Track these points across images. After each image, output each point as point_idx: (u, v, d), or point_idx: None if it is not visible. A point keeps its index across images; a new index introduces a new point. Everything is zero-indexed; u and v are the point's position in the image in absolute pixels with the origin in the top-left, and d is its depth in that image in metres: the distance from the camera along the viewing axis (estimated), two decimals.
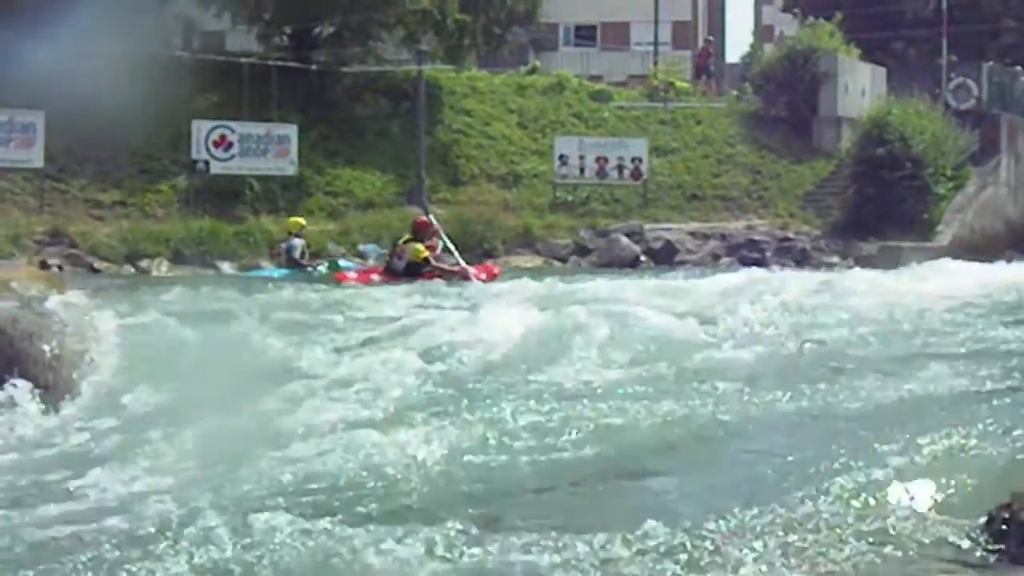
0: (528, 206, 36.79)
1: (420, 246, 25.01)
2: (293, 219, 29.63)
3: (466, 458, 9.00)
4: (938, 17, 47.39)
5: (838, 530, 6.96)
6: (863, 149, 38.16)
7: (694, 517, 7.21)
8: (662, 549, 6.69)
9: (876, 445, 8.99)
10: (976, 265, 27.74)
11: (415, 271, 24.62)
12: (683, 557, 6.64)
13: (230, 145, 33.42)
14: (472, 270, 25.73)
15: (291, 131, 34.38)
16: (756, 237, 36.52)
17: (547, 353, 13.02)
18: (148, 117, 33.25)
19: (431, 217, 29.94)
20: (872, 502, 7.49)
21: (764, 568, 6.49)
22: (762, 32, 64.99)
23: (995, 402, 10.99)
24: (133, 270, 28.58)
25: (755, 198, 40.09)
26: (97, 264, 28.26)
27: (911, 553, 6.66)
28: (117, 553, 6.66)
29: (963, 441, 9.22)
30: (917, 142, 37.33)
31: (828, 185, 40.42)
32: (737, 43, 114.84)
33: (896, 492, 7.62)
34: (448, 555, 6.71)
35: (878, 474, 8.11)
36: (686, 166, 40.81)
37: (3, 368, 10.34)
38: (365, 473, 8.45)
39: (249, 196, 33.44)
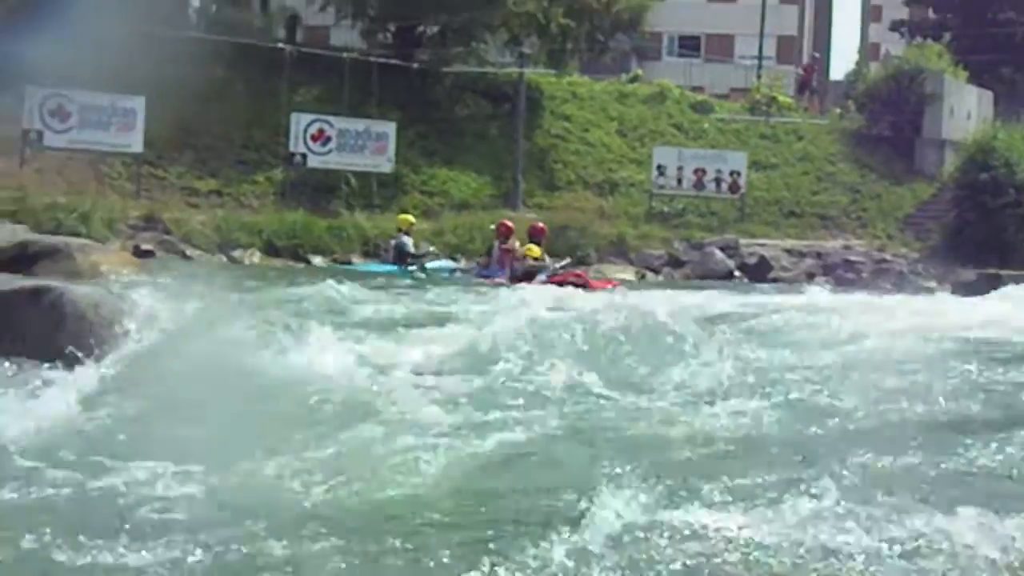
0: (623, 215, 36.57)
1: (535, 247, 25.44)
2: (403, 215, 29.42)
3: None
4: None
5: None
6: (966, 173, 37.60)
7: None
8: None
9: None
10: None
11: (533, 274, 24.69)
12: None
13: (328, 139, 33.46)
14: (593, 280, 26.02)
15: (389, 128, 34.38)
16: (852, 257, 36.04)
17: None
18: (249, 108, 33.54)
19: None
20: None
21: None
22: (868, 50, 64.45)
23: None
24: (225, 259, 28.59)
25: (853, 218, 39.64)
26: (189, 251, 28.29)
27: None
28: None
29: None
30: (1022, 168, 36.71)
31: (928, 208, 39.86)
32: (842, 61, 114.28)
33: None
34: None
35: None
36: (785, 182, 40.43)
37: (84, 352, 10.21)
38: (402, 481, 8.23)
39: (345, 191, 33.49)
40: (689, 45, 65.77)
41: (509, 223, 27.36)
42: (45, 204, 26.92)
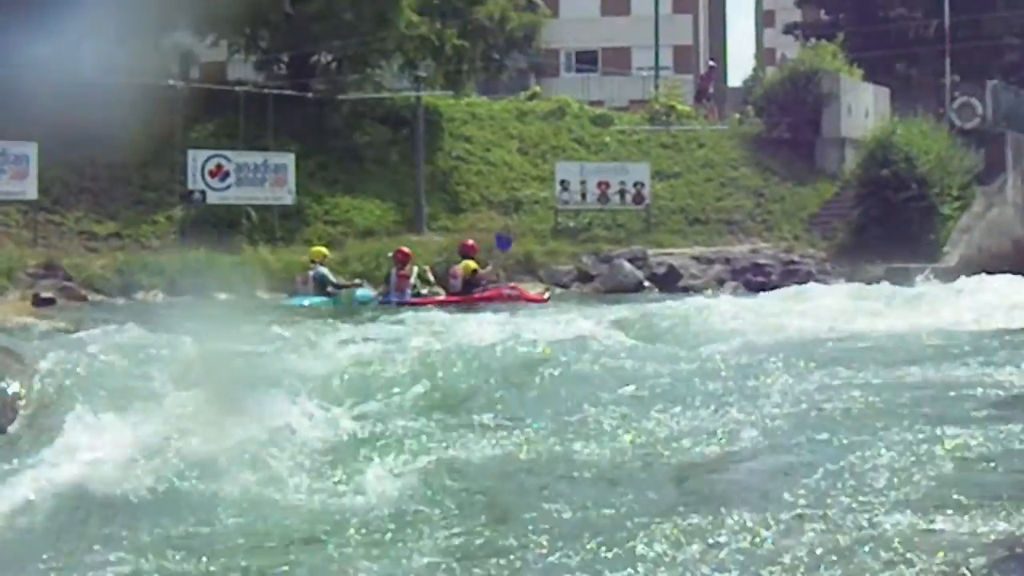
0: (530, 232, 36.36)
1: (470, 262, 27.11)
2: (316, 248, 29.22)
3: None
4: (940, 37, 47.10)
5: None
6: (868, 170, 37.73)
7: None
8: None
9: None
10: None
11: (471, 289, 26.55)
12: None
13: (226, 175, 33.05)
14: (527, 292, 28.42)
15: (288, 160, 34.00)
16: (761, 261, 36.07)
17: None
18: (144, 148, 33.01)
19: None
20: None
21: None
22: (764, 55, 64.92)
23: None
24: (127, 302, 28.11)
25: (759, 221, 39.71)
26: (91, 296, 27.81)
27: None
28: None
29: None
30: (922, 162, 36.92)
31: (833, 207, 40.01)
32: (739, 67, 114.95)
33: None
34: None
35: None
36: (689, 190, 40.45)
37: None
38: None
39: (246, 226, 33.05)
40: (586, 60, 66.08)
41: (406, 250, 28.27)
42: None
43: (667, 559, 6.65)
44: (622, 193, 37.88)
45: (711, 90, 49.86)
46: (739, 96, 55.53)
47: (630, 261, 34.60)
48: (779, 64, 53.24)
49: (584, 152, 41.44)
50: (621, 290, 32.44)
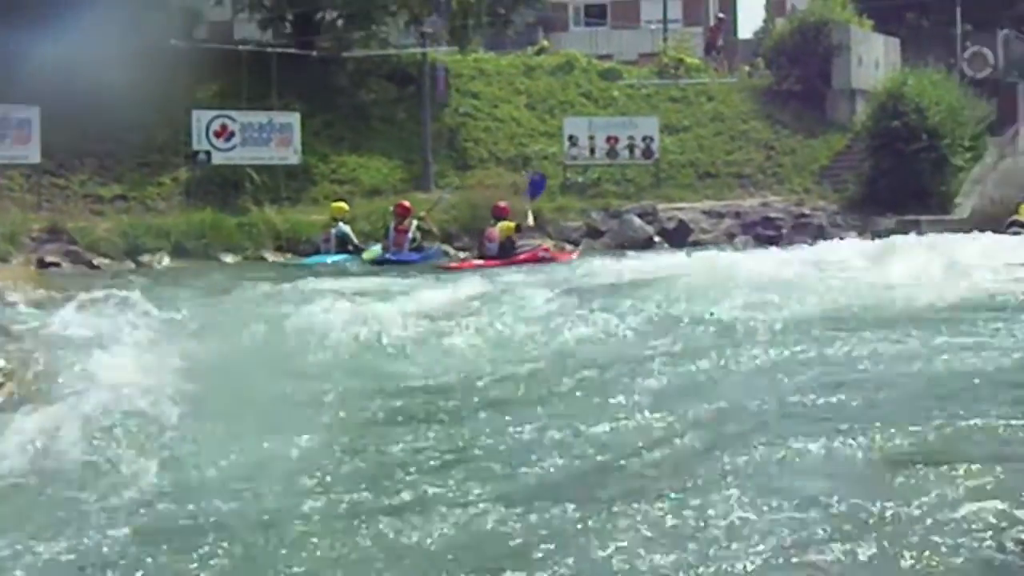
0: None
1: (508, 223, 26.89)
2: (336, 204, 29.27)
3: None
4: None
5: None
6: (878, 122, 37.33)
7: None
8: None
9: None
10: None
11: (508, 251, 26.36)
12: None
13: (231, 135, 32.80)
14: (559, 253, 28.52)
15: (293, 119, 33.71)
16: (772, 214, 35.83)
17: None
18: (148, 109, 32.69)
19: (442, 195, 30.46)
20: None
21: None
22: (774, 7, 64.30)
23: None
24: (133, 265, 27.96)
25: (770, 174, 39.40)
26: (96, 260, 27.65)
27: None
28: None
29: None
30: (933, 113, 36.52)
31: (844, 159, 39.68)
32: (749, 19, 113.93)
33: None
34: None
35: None
36: (698, 144, 40.14)
37: None
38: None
39: (250, 188, 32.79)
40: (595, 13, 65.50)
41: (406, 204, 28.60)
42: None
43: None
44: (631, 148, 37.57)
45: (721, 42, 49.48)
46: (749, 49, 54.97)
47: (639, 216, 34.40)
48: (788, 15, 52.72)
49: (592, 107, 41.13)
50: (631, 246, 32.21)
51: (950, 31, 44.72)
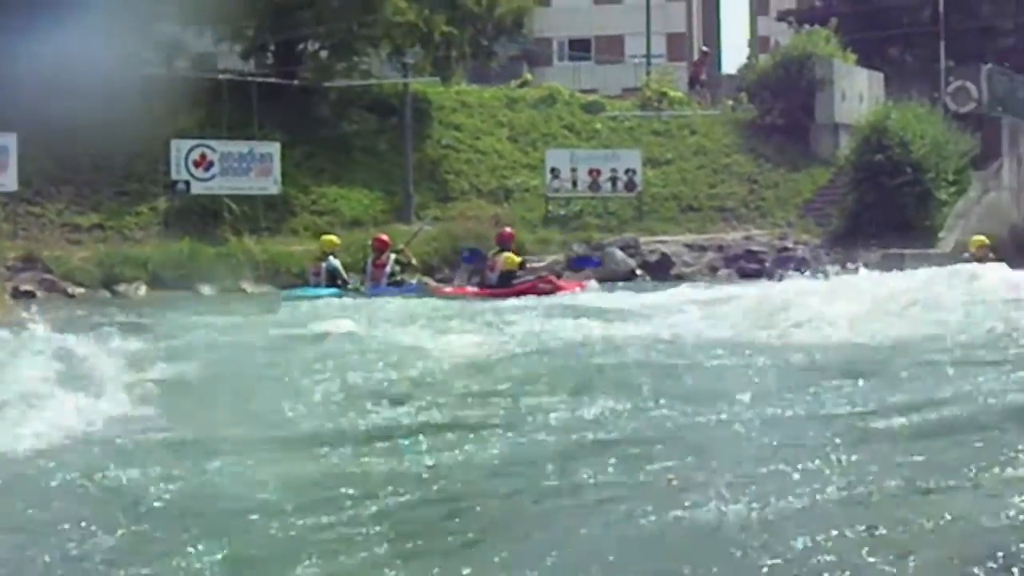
0: (520, 221, 35.81)
1: (512, 255, 26.16)
2: (327, 237, 28.68)
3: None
4: (934, 21, 46.66)
5: None
6: (862, 155, 37.25)
7: None
8: None
9: None
10: None
11: (507, 282, 25.63)
12: None
13: (211, 164, 32.58)
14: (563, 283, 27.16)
15: (274, 149, 33.51)
16: (754, 248, 35.69)
17: None
18: (128, 138, 32.41)
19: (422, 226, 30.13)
20: None
21: None
22: (757, 43, 64.34)
23: None
24: (109, 295, 27.67)
25: (752, 208, 39.27)
26: (71, 289, 27.41)
27: None
28: None
29: None
30: (917, 147, 36.44)
31: (827, 193, 39.57)
32: (732, 55, 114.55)
33: None
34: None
35: None
36: (681, 177, 40.02)
37: None
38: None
39: (229, 217, 32.50)
40: (579, 48, 65.64)
41: (384, 237, 27.92)
42: None
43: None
44: (613, 180, 37.44)
45: (704, 76, 49.40)
46: (732, 84, 54.90)
47: (622, 249, 34.21)
48: (771, 51, 52.73)
49: (575, 139, 40.99)
50: (613, 279, 31.92)
51: (934, 66, 44.71)
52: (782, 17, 60.40)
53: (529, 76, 49.77)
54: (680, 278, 32.36)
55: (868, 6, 52.64)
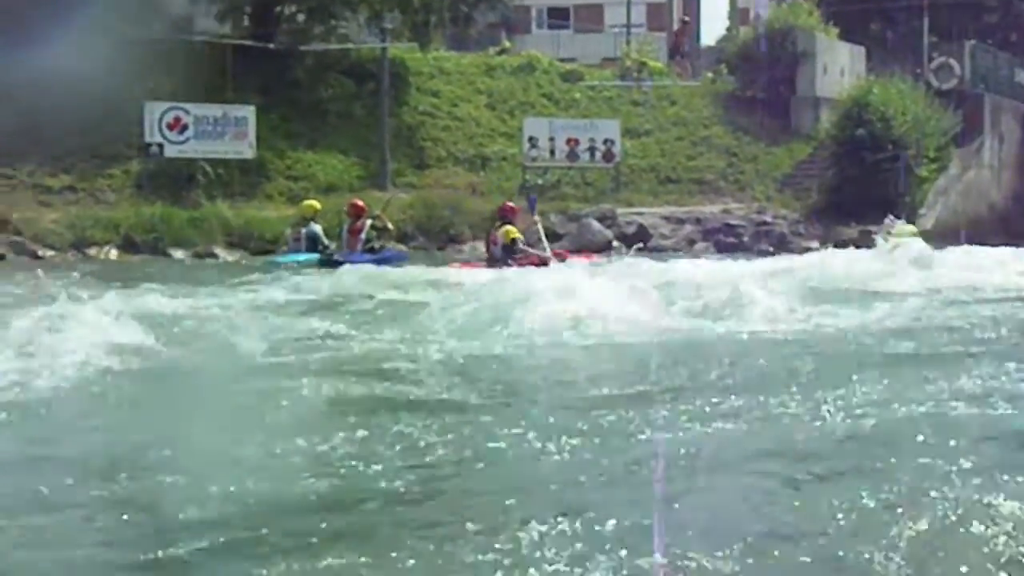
0: (496, 190, 35.53)
1: (511, 227, 25.34)
2: (308, 202, 28.21)
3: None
4: None
5: None
6: (843, 130, 37.01)
7: None
8: None
9: None
10: None
11: (510, 255, 24.86)
12: None
13: (185, 127, 32.11)
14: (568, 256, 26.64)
15: (249, 113, 33.01)
16: (733, 221, 35.40)
17: None
18: (101, 100, 31.95)
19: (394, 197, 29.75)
20: None
21: None
22: (737, 15, 64.00)
23: None
24: (80, 257, 27.25)
25: (731, 181, 39.02)
26: (41, 252, 26.95)
27: None
28: None
29: None
30: (899, 123, 36.22)
31: (807, 168, 39.33)
32: (712, 27, 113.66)
33: None
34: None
35: None
36: (660, 148, 39.73)
37: None
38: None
39: (202, 181, 32.04)
40: (558, 16, 65.31)
41: (359, 203, 27.37)
42: None
43: None
44: (591, 151, 37.08)
45: (686, 47, 49.08)
46: (711, 56, 54.60)
47: (599, 220, 33.86)
48: (752, 23, 52.38)
49: (553, 108, 40.60)
50: (589, 249, 31.65)
51: (916, 41, 44.42)
52: None
53: (508, 44, 49.34)
54: (657, 250, 32.09)
55: None
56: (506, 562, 5.77)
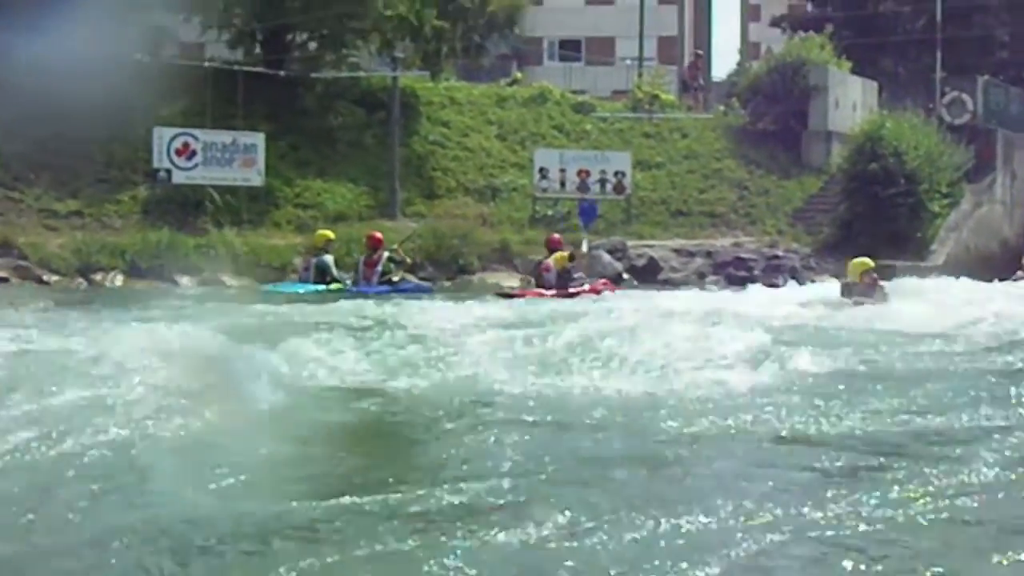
0: (506, 221, 35.43)
1: (562, 253, 26.87)
2: (321, 232, 28.16)
3: None
4: (928, 30, 46.24)
5: None
6: (855, 164, 36.77)
7: None
8: None
9: None
10: None
11: (565, 283, 25.98)
12: None
13: (193, 153, 31.95)
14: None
15: (258, 140, 32.87)
16: (743, 255, 35.15)
17: None
18: (110, 125, 31.85)
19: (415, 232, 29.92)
20: None
21: None
22: (748, 49, 64.01)
23: None
24: (85, 283, 27.06)
25: (742, 214, 38.80)
26: (46, 277, 26.77)
27: None
28: None
29: None
30: (912, 157, 36.00)
31: (818, 201, 39.11)
32: (723, 61, 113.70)
33: None
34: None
35: None
36: (671, 181, 39.52)
37: None
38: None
39: (210, 208, 31.84)
40: (570, 48, 65.35)
41: (377, 235, 27.74)
42: None
43: None
44: (602, 182, 36.89)
45: (701, 81, 48.98)
46: (722, 90, 54.60)
47: (609, 252, 33.63)
48: (765, 56, 52.30)
49: (564, 140, 40.46)
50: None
51: (928, 76, 44.27)
52: (776, 23, 59.99)
53: (519, 75, 49.26)
54: (667, 283, 31.92)
55: (862, 13, 52.32)
56: None
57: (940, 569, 6.13)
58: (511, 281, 31.60)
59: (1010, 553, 6.36)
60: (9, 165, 30.24)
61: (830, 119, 41.56)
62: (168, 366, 10.81)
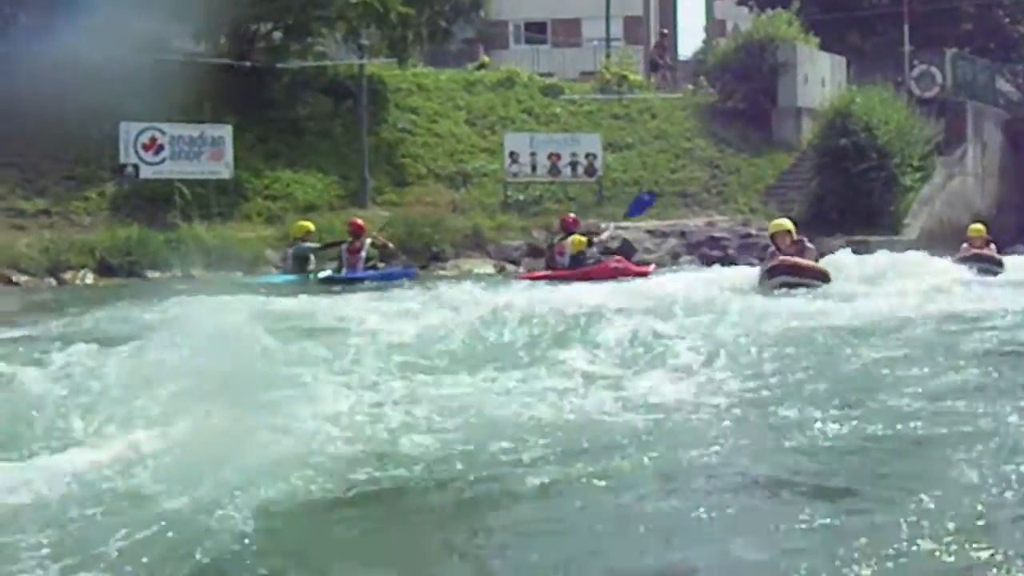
0: (478, 206, 35.26)
1: (579, 236, 27.27)
2: (300, 223, 28.25)
3: None
4: (896, 5, 46.17)
5: None
6: (826, 140, 36.79)
7: None
8: None
9: None
10: None
11: (579, 263, 26.55)
12: None
13: (160, 148, 31.63)
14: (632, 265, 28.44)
15: (226, 132, 32.53)
16: (717, 234, 35.09)
17: None
18: (75, 121, 31.48)
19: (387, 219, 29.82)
20: None
21: None
22: (714, 27, 63.90)
23: None
24: (55, 283, 26.77)
25: (715, 193, 38.73)
26: (15, 277, 26.42)
27: None
28: None
29: None
30: (882, 132, 35.99)
31: (790, 178, 39.08)
32: (689, 39, 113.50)
33: None
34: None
35: None
36: (642, 161, 39.41)
37: None
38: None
39: (179, 203, 31.50)
40: (536, 31, 65.18)
41: (359, 221, 27.72)
42: None
43: None
44: (573, 165, 36.74)
45: (668, 59, 48.86)
46: (688, 69, 54.55)
47: (583, 235, 33.47)
48: (731, 34, 52.17)
49: (534, 123, 40.29)
50: None
51: (897, 50, 44.22)
52: (742, 1, 59.83)
53: (487, 59, 49.07)
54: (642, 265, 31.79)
55: None
56: None
57: None
58: (485, 268, 31.48)
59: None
60: None
61: (799, 95, 41.52)
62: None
